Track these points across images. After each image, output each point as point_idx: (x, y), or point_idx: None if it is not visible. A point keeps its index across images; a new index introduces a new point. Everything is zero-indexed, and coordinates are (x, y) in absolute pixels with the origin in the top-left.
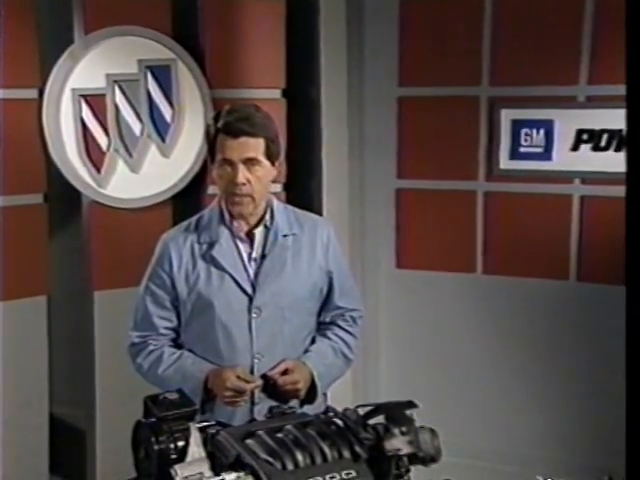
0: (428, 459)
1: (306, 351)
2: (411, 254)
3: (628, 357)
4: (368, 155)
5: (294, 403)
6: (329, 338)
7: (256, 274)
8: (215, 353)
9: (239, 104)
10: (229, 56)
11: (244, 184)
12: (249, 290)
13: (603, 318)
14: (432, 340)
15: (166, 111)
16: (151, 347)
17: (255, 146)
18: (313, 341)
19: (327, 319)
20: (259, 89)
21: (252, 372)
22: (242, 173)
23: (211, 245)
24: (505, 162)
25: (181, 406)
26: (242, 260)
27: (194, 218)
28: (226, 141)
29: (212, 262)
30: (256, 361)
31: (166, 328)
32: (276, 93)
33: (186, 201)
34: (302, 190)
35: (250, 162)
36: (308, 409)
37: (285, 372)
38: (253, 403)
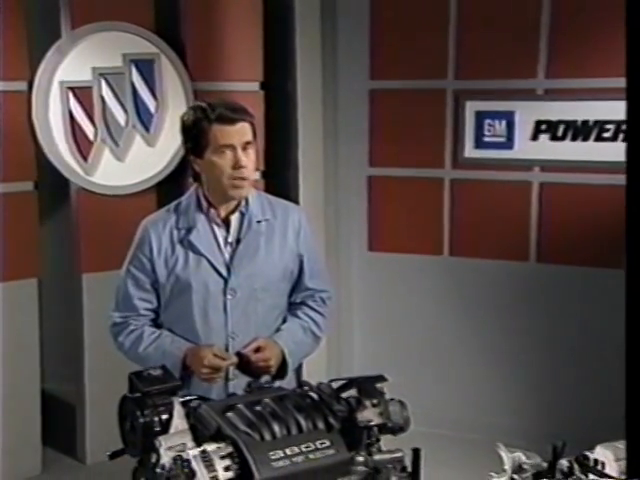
0: (397, 429)
1: (278, 330)
2: (382, 237)
3: (628, 345)
4: (341, 144)
5: (266, 379)
6: (299, 318)
7: (231, 257)
8: (192, 332)
9: (209, 98)
10: (210, 50)
11: (245, 167)
12: (224, 273)
13: (560, 296)
14: (402, 318)
15: (150, 103)
16: (132, 327)
17: (249, 130)
18: (284, 320)
19: (298, 300)
20: (238, 82)
21: (227, 350)
22: (243, 157)
23: (189, 230)
24: (470, 151)
25: (164, 381)
26: (218, 244)
27: (172, 204)
28: (224, 129)
29: (190, 247)
30: (231, 340)
31: (146, 309)
32: (254, 86)
33: (170, 188)
34: (280, 178)
35: (246, 146)
36: (280, 384)
37: (258, 350)
38: (228, 379)
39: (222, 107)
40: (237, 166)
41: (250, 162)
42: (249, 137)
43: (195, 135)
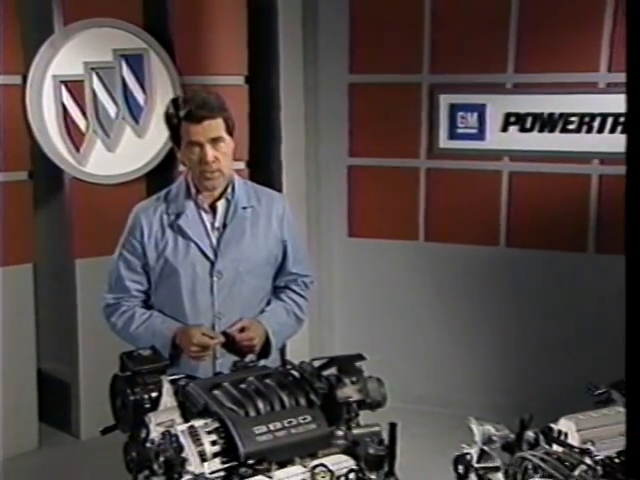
0: (375, 405)
1: (262, 311)
2: (361, 224)
3: (628, 341)
4: (322, 136)
5: (251, 358)
6: (283, 300)
7: (218, 242)
8: (181, 313)
9: (192, 91)
10: (196, 46)
11: (213, 161)
12: (211, 256)
13: (527, 277)
14: (380, 300)
15: (139, 96)
16: (124, 308)
17: (217, 126)
18: (269, 303)
19: (282, 283)
20: (224, 76)
21: (213, 329)
22: (210, 152)
23: (178, 216)
24: (444, 142)
25: (154, 361)
26: (205, 229)
27: (163, 191)
28: (191, 127)
29: (179, 231)
30: (217, 320)
31: (137, 291)
32: (239, 80)
33: (158, 177)
34: (264, 167)
35: (215, 141)
36: (265, 363)
37: (243, 329)
38: (215, 357)
39: (193, 104)
40: (203, 162)
41: (221, 155)
42: (217, 133)
43: (170, 129)
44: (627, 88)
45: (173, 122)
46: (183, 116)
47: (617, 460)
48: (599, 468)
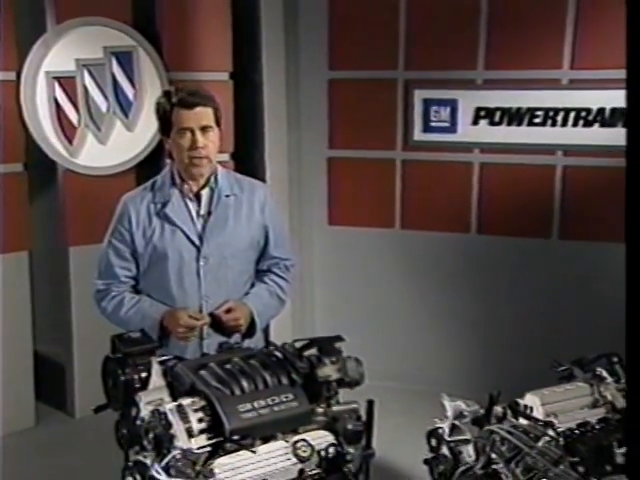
0: (354, 383)
1: (246, 293)
2: (341, 213)
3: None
4: (303, 129)
5: (236, 339)
6: (266, 283)
7: (203, 228)
8: (169, 296)
9: (182, 85)
10: (183, 43)
11: (203, 148)
12: (197, 242)
13: (496, 263)
14: (358, 284)
15: (129, 91)
16: (114, 293)
17: (207, 115)
18: (253, 285)
19: (264, 267)
20: (210, 72)
21: (201, 311)
22: (201, 139)
23: (164, 204)
24: (418, 134)
25: (143, 343)
26: (191, 217)
27: (149, 182)
28: (183, 113)
29: (165, 219)
30: (204, 302)
31: (126, 277)
32: (224, 76)
33: (148, 169)
34: (248, 159)
35: (205, 129)
36: (249, 343)
37: (229, 311)
38: (202, 338)
39: (184, 92)
40: (194, 147)
41: (209, 143)
42: (207, 121)
43: (162, 117)
44: (627, 87)
45: (165, 109)
46: (176, 102)
47: (577, 431)
48: (561, 439)
